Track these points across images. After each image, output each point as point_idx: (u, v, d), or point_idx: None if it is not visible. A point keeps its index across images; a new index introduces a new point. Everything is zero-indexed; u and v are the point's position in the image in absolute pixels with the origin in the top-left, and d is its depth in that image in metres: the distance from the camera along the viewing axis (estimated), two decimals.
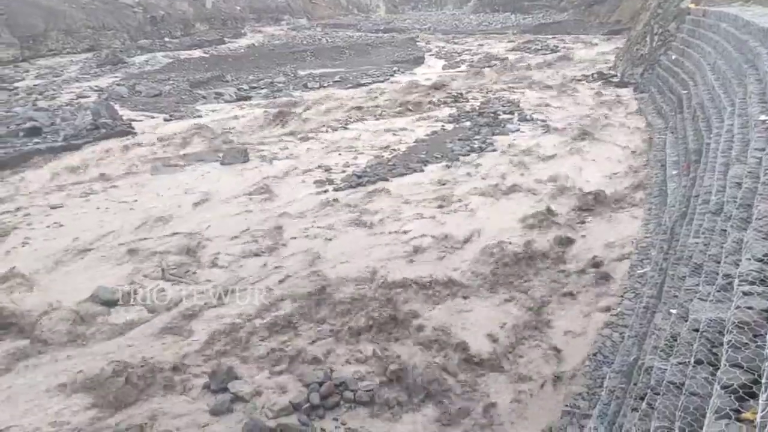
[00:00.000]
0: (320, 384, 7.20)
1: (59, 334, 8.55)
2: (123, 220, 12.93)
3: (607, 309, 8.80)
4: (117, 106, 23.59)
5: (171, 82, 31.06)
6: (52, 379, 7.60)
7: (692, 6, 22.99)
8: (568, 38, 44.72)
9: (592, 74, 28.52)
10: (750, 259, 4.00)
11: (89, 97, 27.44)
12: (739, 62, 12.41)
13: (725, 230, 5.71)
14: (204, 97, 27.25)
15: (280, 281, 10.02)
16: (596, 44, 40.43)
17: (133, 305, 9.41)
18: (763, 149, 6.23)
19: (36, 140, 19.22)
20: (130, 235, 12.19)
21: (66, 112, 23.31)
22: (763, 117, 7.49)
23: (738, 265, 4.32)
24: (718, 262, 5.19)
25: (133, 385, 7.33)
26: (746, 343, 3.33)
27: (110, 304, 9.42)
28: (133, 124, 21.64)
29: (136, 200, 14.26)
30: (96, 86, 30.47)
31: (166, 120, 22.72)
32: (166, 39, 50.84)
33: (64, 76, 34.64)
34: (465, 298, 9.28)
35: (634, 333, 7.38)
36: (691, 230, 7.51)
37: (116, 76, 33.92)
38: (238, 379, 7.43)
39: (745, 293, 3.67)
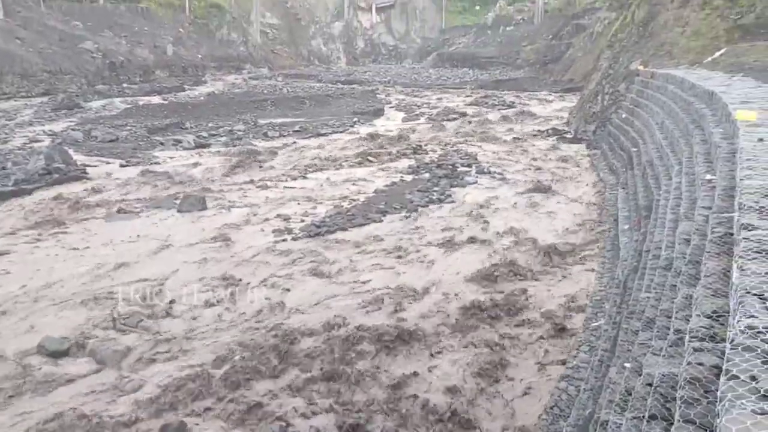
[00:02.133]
0: None
1: (2, 389, 8.19)
2: (74, 268, 12.60)
3: (563, 362, 8.88)
4: (71, 151, 23.18)
5: (128, 127, 30.73)
6: None
7: (641, 68, 24.05)
8: (523, 94, 46.06)
9: (547, 130, 29.34)
10: (699, 315, 4.11)
11: (43, 141, 26.94)
12: (686, 122, 12.96)
13: (675, 286, 5.87)
14: (162, 144, 27.00)
15: (236, 331, 9.85)
16: (551, 101, 41.74)
17: (81, 356, 9.11)
18: (709, 207, 6.48)
19: None
20: (80, 283, 11.86)
21: (18, 156, 22.80)
22: (708, 176, 7.80)
23: (688, 320, 4.44)
24: (670, 317, 5.32)
25: None
26: (698, 399, 3.40)
27: (58, 355, 9.09)
28: (88, 169, 21.28)
29: (88, 247, 13.93)
30: (50, 130, 29.96)
31: (122, 166, 22.40)
32: (125, 85, 50.54)
33: (17, 119, 34.00)
34: (422, 350, 9.25)
35: (590, 386, 7.45)
36: (643, 285, 7.70)
37: (72, 121, 33.42)
38: None
39: (695, 349, 3.76)
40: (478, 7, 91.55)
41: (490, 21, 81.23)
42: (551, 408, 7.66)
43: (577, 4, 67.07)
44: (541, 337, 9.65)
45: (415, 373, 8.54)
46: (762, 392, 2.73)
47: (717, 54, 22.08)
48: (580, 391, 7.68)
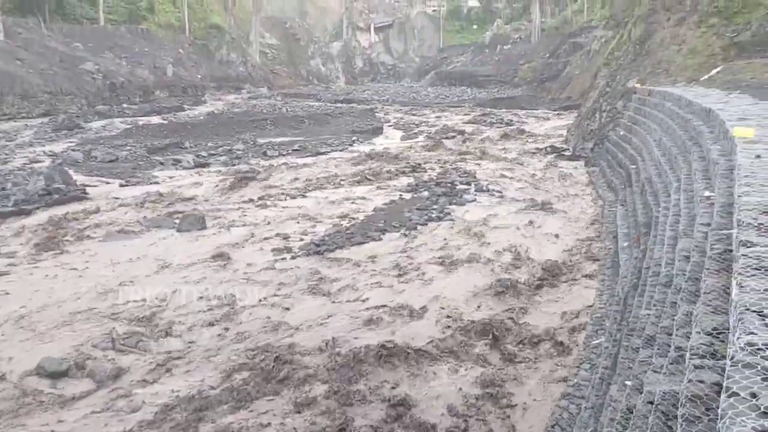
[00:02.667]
0: None
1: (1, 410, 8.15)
2: (73, 288, 12.57)
3: (564, 379, 8.84)
4: (71, 171, 23.25)
5: (128, 147, 30.82)
6: None
7: (638, 85, 24.20)
8: (521, 112, 46.29)
9: (546, 147, 29.44)
10: (700, 332, 4.11)
11: (43, 161, 27.03)
12: (684, 139, 13.01)
13: (675, 302, 5.86)
14: (161, 164, 27.07)
15: (236, 351, 9.81)
16: (548, 119, 41.93)
17: (81, 377, 9.06)
18: (708, 224, 6.49)
19: None
20: (80, 303, 11.83)
21: (18, 177, 22.86)
22: (707, 193, 7.82)
23: (689, 338, 4.43)
24: (670, 335, 5.31)
25: None
26: (699, 417, 3.39)
27: (56, 375, 9.05)
28: (88, 189, 21.33)
29: (87, 267, 13.91)
30: (50, 151, 30.06)
31: (121, 186, 22.46)
32: (125, 105, 50.78)
33: (17, 140, 34.13)
34: (422, 369, 9.21)
35: (591, 404, 7.41)
36: (643, 302, 7.69)
37: (72, 141, 33.54)
38: None
39: (696, 366, 3.76)
40: (475, 27, 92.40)
41: (488, 40, 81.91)
42: (552, 427, 7.62)
43: (573, 23, 67.59)
44: (541, 355, 9.61)
45: (415, 392, 8.49)
46: (762, 409, 2.73)
47: (714, 71, 22.24)
48: (581, 409, 7.64)
